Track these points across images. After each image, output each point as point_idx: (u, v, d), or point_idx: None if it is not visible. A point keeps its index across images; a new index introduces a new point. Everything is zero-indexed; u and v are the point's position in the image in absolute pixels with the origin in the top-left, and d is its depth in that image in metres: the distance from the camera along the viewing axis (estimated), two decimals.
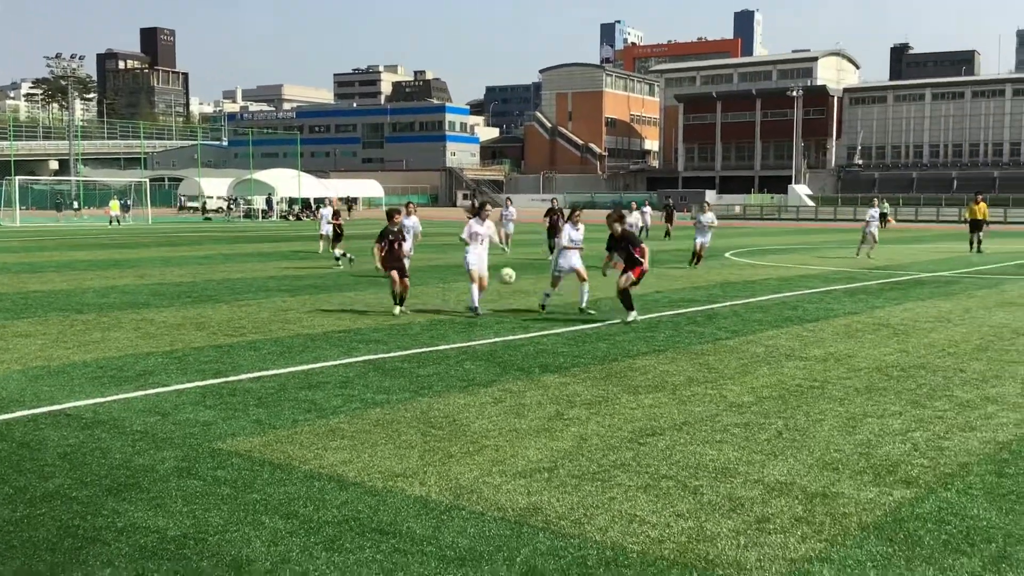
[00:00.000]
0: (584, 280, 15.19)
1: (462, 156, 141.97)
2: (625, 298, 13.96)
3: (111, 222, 59.92)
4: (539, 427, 7.79)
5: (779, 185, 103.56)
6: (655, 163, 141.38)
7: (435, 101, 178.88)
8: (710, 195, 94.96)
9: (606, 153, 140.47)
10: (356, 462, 6.72)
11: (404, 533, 5.31)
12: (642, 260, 13.94)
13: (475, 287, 14.97)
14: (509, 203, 32.42)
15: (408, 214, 18.43)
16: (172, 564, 4.84)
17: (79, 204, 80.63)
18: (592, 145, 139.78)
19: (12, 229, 52.39)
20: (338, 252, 26.02)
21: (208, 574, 4.72)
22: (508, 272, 15.39)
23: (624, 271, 14.00)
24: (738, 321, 14.50)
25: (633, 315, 13.99)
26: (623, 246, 14.14)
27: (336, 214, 28.10)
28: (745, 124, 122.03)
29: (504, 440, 7.36)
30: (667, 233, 43.32)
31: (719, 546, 5.17)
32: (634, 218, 44.59)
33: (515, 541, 5.20)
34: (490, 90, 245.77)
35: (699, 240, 25.50)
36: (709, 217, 25.97)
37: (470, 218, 15.54)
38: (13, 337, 12.42)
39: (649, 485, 6.25)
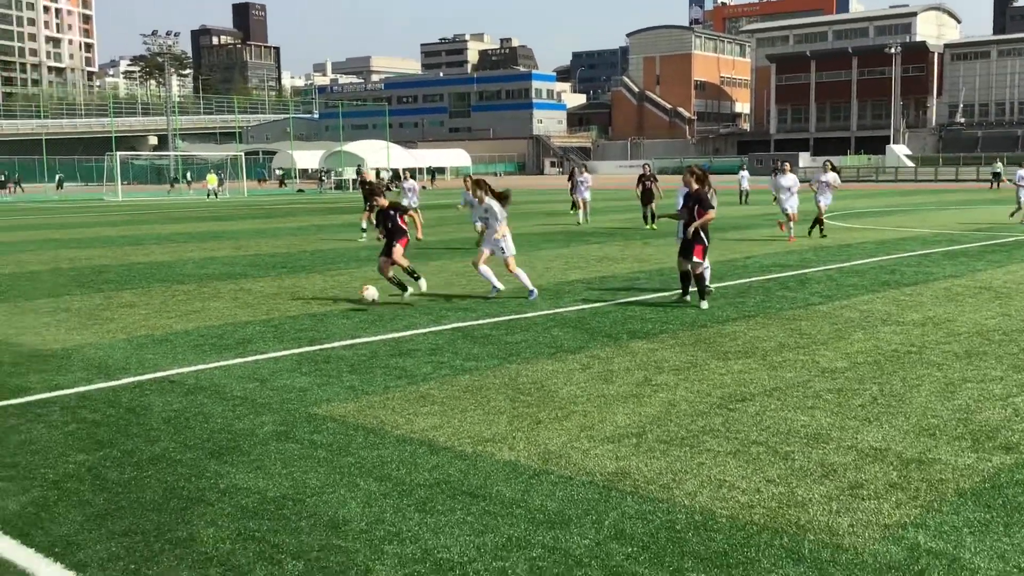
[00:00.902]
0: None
1: (549, 123, 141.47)
2: (699, 282, 12.21)
3: (208, 195, 61.60)
4: (627, 393, 7.80)
5: (876, 146, 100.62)
6: (746, 126, 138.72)
7: (521, 69, 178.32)
8: (804, 157, 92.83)
9: (695, 117, 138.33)
10: (446, 427, 6.84)
11: (494, 496, 5.40)
12: (701, 238, 12.03)
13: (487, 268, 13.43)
14: (583, 170, 31.19)
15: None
16: (272, 524, 5.02)
17: (191, 178, 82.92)
18: (680, 109, 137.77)
19: (115, 203, 54.29)
20: (364, 224, 25.47)
21: (307, 533, 4.88)
22: (370, 291, 12.55)
23: (688, 249, 12.09)
24: (832, 286, 14.21)
25: (706, 304, 12.14)
26: (691, 204, 12.26)
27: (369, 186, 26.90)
28: (840, 83, 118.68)
29: (592, 406, 7.39)
30: (776, 198, 41.44)
31: (811, 512, 5.12)
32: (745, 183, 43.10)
33: (603, 505, 5.24)
34: (576, 56, 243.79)
35: (822, 202, 23.01)
36: (832, 177, 23.30)
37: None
38: (118, 307, 12.92)
39: (739, 451, 6.21)
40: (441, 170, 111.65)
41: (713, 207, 12.34)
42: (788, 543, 4.71)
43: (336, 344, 10.06)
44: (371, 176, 27.46)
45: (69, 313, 12.45)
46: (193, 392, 8.00)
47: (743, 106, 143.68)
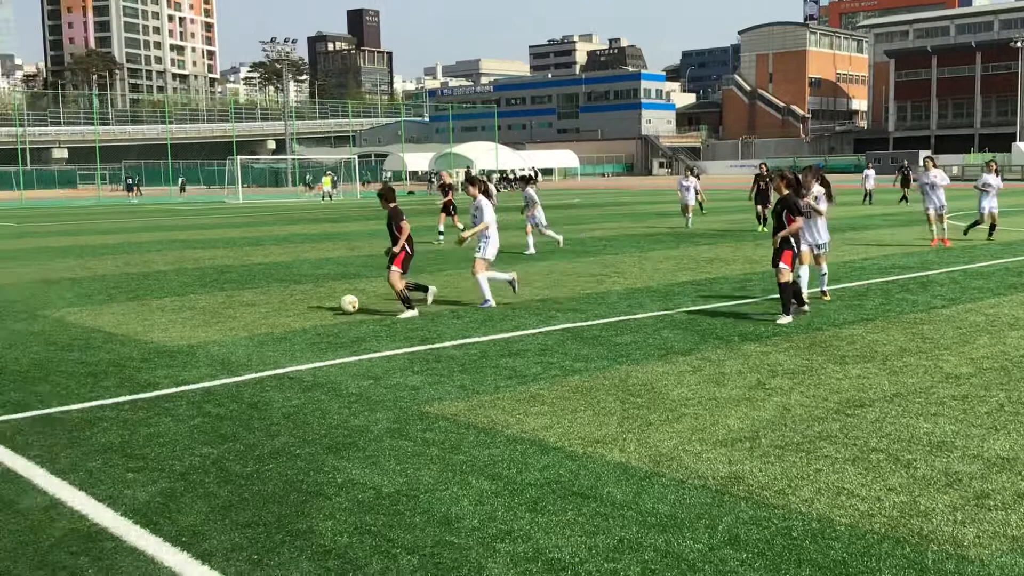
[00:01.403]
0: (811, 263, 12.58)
1: (658, 123, 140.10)
2: (782, 293, 11.23)
3: (323, 197, 63.13)
4: (740, 396, 7.68)
5: (1001, 143, 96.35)
6: (863, 123, 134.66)
7: (630, 69, 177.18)
8: (924, 155, 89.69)
9: (809, 115, 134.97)
10: (556, 427, 6.85)
11: (604, 497, 5.39)
12: (791, 244, 11.10)
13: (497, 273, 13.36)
14: (689, 174, 29.90)
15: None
16: (387, 519, 5.12)
17: (309, 180, 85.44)
18: (794, 107, 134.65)
19: (235, 206, 56.14)
20: (442, 227, 25.38)
21: (420, 529, 4.97)
22: (350, 300, 12.42)
23: (776, 256, 11.18)
24: (955, 288, 13.68)
25: (786, 320, 11.11)
26: (779, 209, 11.34)
27: (448, 188, 26.86)
28: (963, 79, 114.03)
29: (704, 409, 7.30)
30: (903, 198, 39.67)
31: (934, 522, 4.95)
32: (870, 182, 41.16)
33: (716, 509, 5.18)
34: (686, 55, 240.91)
35: (987, 206, 20.93)
36: (996, 180, 20.98)
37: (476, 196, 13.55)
38: (240, 306, 13.37)
39: (857, 457, 6.05)
40: (549, 171, 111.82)
41: (800, 215, 11.25)
42: (910, 553, 4.56)
43: (447, 344, 10.19)
44: (450, 179, 27.53)
45: (194, 311, 12.94)
46: (311, 389, 8.22)
47: (860, 103, 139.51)
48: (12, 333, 11.40)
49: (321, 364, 9.24)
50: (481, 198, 13.43)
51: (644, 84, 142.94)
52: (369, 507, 5.30)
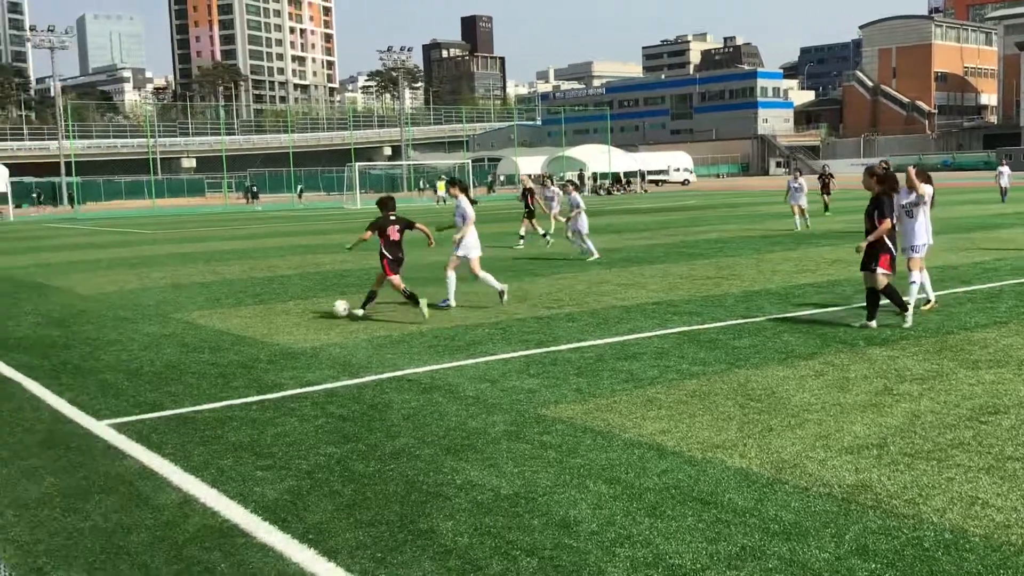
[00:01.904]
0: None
1: (775, 122, 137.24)
2: (890, 297, 10.64)
3: (437, 202, 64.06)
4: (865, 402, 7.45)
5: None
6: (992, 119, 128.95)
7: (745, 67, 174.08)
8: None
9: (935, 111, 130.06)
10: (674, 432, 6.78)
11: (725, 504, 5.31)
12: (889, 246, 10.50)
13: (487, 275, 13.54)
14: (798, 175, 28.62)
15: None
16: (506, 520, 5.16)
17: (424, 185, 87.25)
18: (919, 102, 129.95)
19: (353, 211, 57.46)
20: (523, 231, 25.18)
21: (539, 532, 4.98)
22: (342, 305, 12.77)
23: (866, 260, 10.60)
24: None
25: (909, 318, 10.68)
26: (870, 209, 10.67)
27: (529, 192, 26.77)
28: None
29: (827, 414, 7.11)
30: None
31: None
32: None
33: (843, 518, 5.03)
34: (804, 51, 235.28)
35: None
36: None
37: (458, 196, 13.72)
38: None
39: (992, 466, 5.79)
40: (664, 171, 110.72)
41: (887, 215, 10.49)
42: None
43: (562, 347, 10.20)
44: (531, 183, 27.47)
45: (316, 315, 13.30)
46: (429, 391, 8.34)
47: (989, 98, 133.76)
48: (147, 336, 11.94)
49: (438, 367, 9.37)
50: (462, 199, 13.65)
51: (760, 82, 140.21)
52: (488, 508, 5.35)
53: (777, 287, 14.49)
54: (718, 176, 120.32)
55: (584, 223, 20.44)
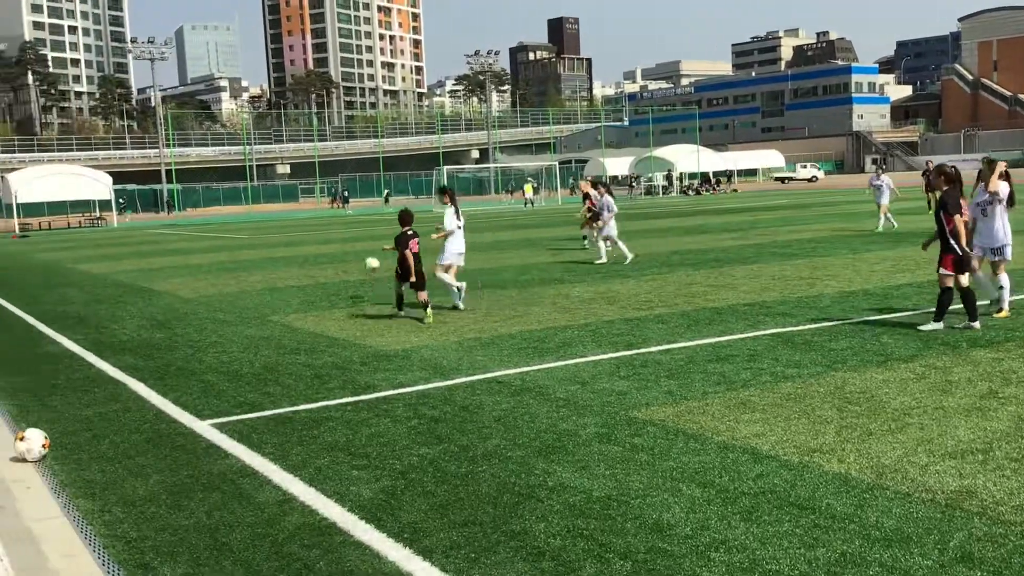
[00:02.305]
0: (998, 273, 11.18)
1: (870, 118, 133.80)
2: (965, 301, 10.36)
3: (526, 204, 64.24)
4: (969, 405, 7.21)
5: None
6: None
7: (839, 62, 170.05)
8: None
9: None
10: (769, 435, 6.67)
11: (823, 509, 5.20)
12: (953, 243, 10.17)
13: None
14: (880, 171, 27.02)
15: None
16: (599, 523, 5.15)
17: (511, 187, 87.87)
18: (1022, 96, 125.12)
19: (440, 214, 58.00)
20: (585, 232, 24.66)
21: (633, 535, 4.96)
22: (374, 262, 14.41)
23: (940, 260, 10.36)
24: None
25: (932, 327, 10.40)
26: (937, 211, 10.45)
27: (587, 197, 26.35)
28: None
29: (930, 418, 6.91)
30: None
31: None
32: None
33: (947, 525, 4.89)
34: (901, 45, 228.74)
35: None
36: None
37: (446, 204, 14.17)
38: (449, 312, 13.80)
39: None
40: (753, 172, 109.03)
41: (952, 213, 10.14)
42: None
43: (652, 348, 10.13)
44: (589, 188, 26.98)
45: (407, 317, 13.46)
46: (519, 393, 8.38)
47: None
48: (246, 338, 12.26)
49: (528, 369, 9.40)
50: (448, 206, 14.08)
51: (855, 78, 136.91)
52: (581, 511, 5.35)
53: (874, 287, 14.13)
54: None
55: (613, 228, 19.98)
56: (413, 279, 12.86)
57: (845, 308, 12.27)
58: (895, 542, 4.70)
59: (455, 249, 14.10)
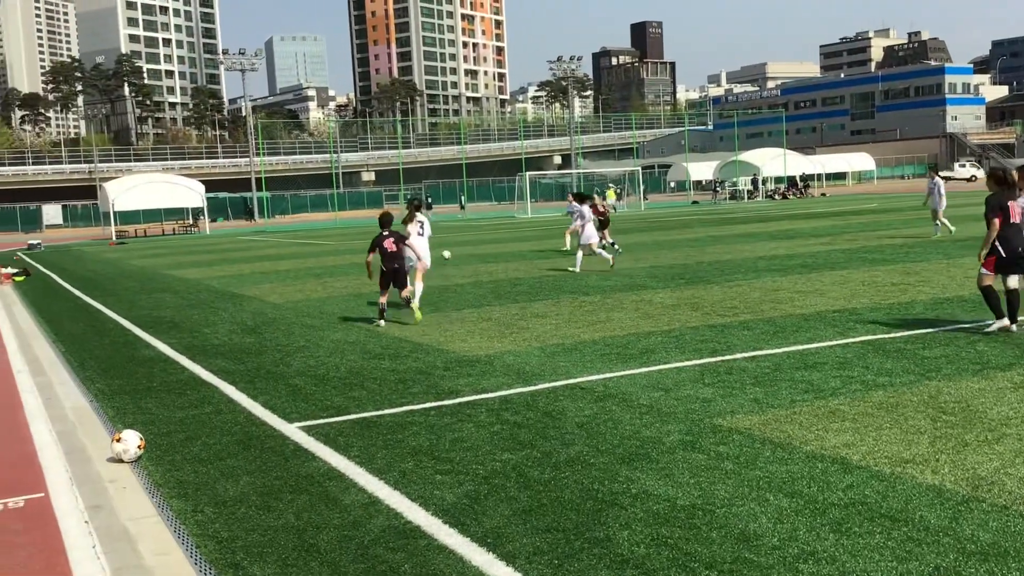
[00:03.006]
0: None
1: (965, 120, 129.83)
2: (987, 298, 10.50)
3: (612, 209, 64.12)
4: None
5: None
6: None
7: (932, 63, 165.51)
8: None
9: None
10: (860, 445, 6.51)
11: (916, 521, 5.06)
12: (996, 247, 10.30)
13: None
14: (934, 174, 26.39)
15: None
16: (683, 532, 5.10)
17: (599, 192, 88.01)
18: None
19: (524, 220, 58.18)
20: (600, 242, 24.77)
21: (718, 545, 4.89)
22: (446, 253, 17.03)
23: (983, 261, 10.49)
24: None
25: (996, 324, 10.45)
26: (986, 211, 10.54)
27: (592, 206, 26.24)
28: None
29: None
30: None
31: None
32: None
33: None
34: (997, 44, 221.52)
35: None
36: None
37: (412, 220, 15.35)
38: (532, 317, 13.83)
39: None
40: (842, 175, 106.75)
41: (990, 216, 10.21)
42: None
43: (738, 356, 9.99)
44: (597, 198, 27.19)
45: (490, 322, 13.54)
46: (602, 399, 8.34)
47: None
48: (332, 343, 12.47)
49: (611, 375, 9.36)
50: (419, 219, 15.52)
51: (948, 78, 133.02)
52: (665, 519, 5.30)
53: (970, 294, 13.69)
54: (903, 178, 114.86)
55: (592, 236, 20.82)
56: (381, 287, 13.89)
57: (939, 315, 11.92)
58: (991, 556, 4.54)
59: (418, 257, 15.15)
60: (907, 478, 5.78)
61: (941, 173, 26.89)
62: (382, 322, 13.74)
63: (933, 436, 6.64)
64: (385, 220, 14.01)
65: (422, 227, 15.54)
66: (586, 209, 21.24)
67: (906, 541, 4.80)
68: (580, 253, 21.01)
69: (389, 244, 13.76)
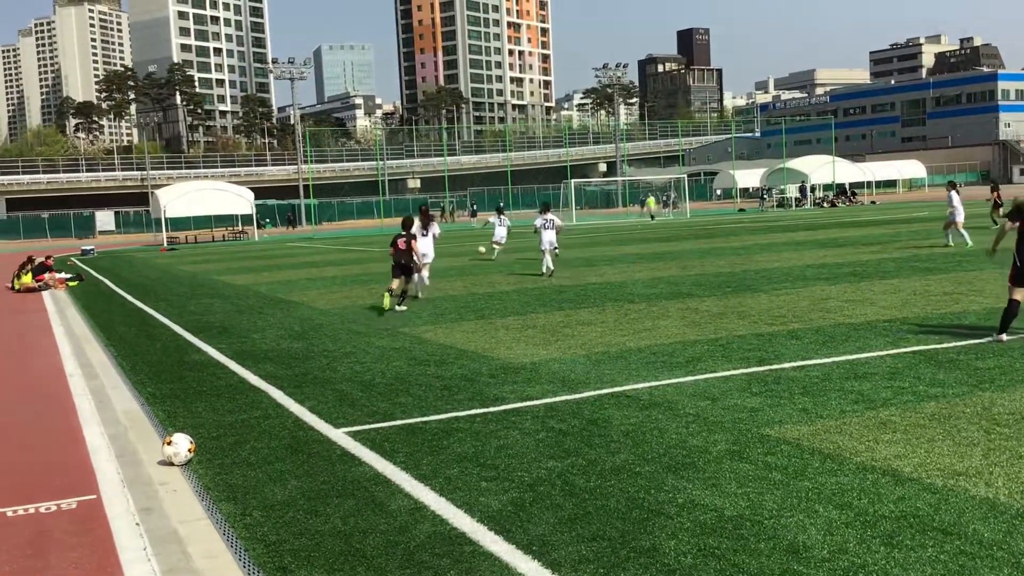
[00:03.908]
0: None
1: (1018, 127, 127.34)
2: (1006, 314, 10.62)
3: (651, 217, 63.79)
4: None
5: None
6: None
7: (985, 69, 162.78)
8: None
9: None
10: (911, 457, 6.41)
11: (970, 535, 4.97)
12: (1015, 259, 10.43)
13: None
14: (952, 188, 26.46)
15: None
16: (731, 543, 5.05)
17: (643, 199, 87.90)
18: None
19: (569, 227, 58.10)
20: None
21: (767, 556, 4.84)
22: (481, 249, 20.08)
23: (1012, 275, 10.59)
24: None
25: (1003, 337, 10.60)
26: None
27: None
28: None
29: None
30: None
31: None
32: None
33: None
34: None
35: None
36: None
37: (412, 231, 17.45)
38: (577, 325, 13.80)
39: None
40: (892, 183, 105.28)
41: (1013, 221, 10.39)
42: None
43: (786, 365, 9.89)
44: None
45: (535, 330, 13.54)
46: (648, 407, 8.30)
47: None
48: (378, 349, 12.55)
49: (657, 383, 9.31)
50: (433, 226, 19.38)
51: (1001, 85, 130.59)
52: (712, 529, 5.26)
53: None
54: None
55: (550, 238, 23.08)
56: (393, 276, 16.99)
57: (992, 325, 11.68)
58: None
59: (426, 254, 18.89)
60: (960, 491, 5.68)
61: (960, 187, 27.73)
62: (400, 307, 16.63)
63: (987, 448, 6.51)
64: (406, 224, 17.47)
65: (426, 230, 19.00)
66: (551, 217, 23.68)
67: (959, 555, 4.72)
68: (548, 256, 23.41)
69: (401, 243, 16.76)
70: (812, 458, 6.51)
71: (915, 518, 5.27)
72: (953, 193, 26.27)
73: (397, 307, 16.52)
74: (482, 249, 19.59)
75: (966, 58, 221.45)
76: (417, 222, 18.71)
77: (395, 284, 16.71)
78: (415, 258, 17.12)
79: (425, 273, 18.99)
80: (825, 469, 6.25)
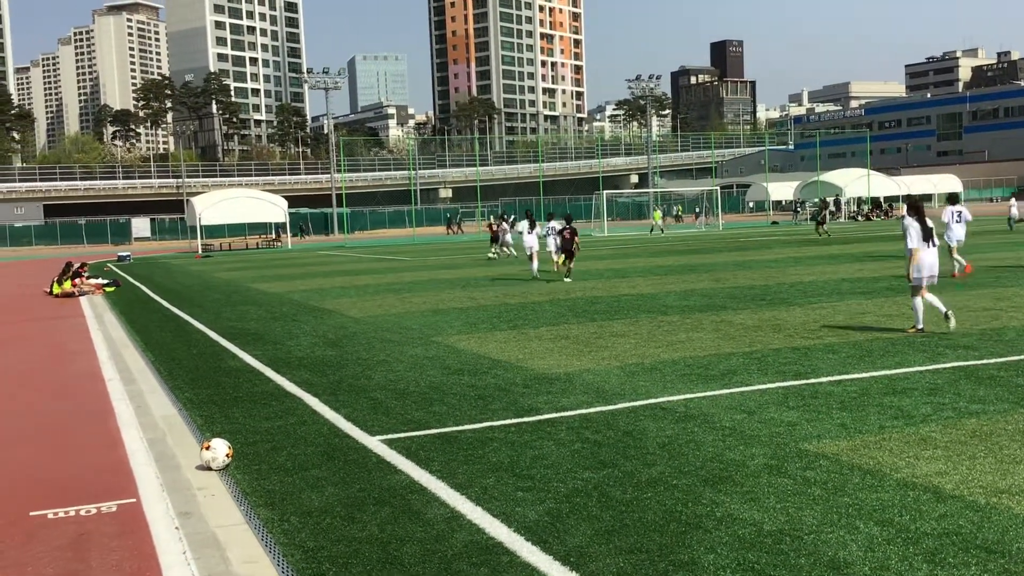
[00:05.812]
0: None
1: None
2: None
3: (660, 231, 63.47)
4: None
5: None
6: None
7: (1022, 83, 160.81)
8: None
9: None
10: (953, 474, 6.33)
11: (1014, 553, 4.90)
12: None
13: None
14: (950, 204, 20.89)
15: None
16: (770, 558, 5.01)
17: (678, 212, 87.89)
18: None
19: (600, 238, 57.99)
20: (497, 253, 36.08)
21: (807, 572, 4.80)
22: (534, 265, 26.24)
23: None
24: None
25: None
26: None
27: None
28: None
29: None
30: None
31: None
32: None
33: None
34: None
35: None
36: None
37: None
38: (611, 336, 13.77)
39: None
40: (928, 197, 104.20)
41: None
42: None
43: (823, 379, 9.80)
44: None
45: (568, 340, 13.52)
46: (683, 420, 8.26)
47: None
48: (412, 358, 12.59)
49: (693, 396, 9.26)
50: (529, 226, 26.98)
51: None
52: (751, 544, 5.22)
53: None
54: (991, 200, 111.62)
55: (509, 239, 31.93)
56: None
57: None
58: None
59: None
60: (1003, 508, 5.60)
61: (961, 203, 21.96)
62: (567, 279, 23.63)
63: None
64: (532, 221, 26.59)
65: (532, 228, 26.92)
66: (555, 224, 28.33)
67: (1003, 573, 4.65)
68: (508, 250, 29.56)
69: (567, 233, 24.02)
70: (852, 474, 6.45)
71: (958, 536, 5.20)
72: (950, 209, 21.60)
73: (565, 278, 23.38)
74: (491, 255, 24.06)
75: (1003, 72, 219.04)
76: (526, 222, 27.09)
77: (561, 260, 24.37)
78: (573, 244, 23.67)
79: (534, 264, 25.90)
80: (865, 485, 6.19)
